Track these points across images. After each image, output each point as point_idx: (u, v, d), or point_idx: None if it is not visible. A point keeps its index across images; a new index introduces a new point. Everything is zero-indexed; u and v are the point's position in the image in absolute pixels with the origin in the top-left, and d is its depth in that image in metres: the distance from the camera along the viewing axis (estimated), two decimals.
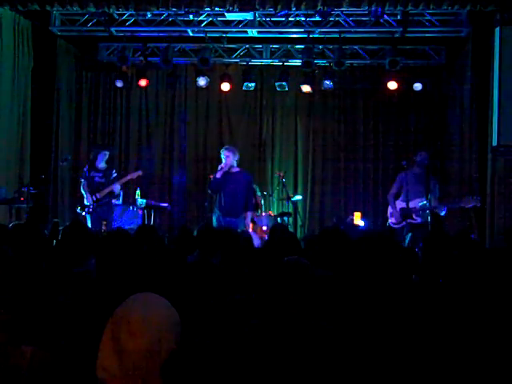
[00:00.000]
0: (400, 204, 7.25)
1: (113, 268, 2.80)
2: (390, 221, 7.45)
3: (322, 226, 9.40)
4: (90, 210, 7.53)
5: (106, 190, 7.63)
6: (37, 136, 8.78)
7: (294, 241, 3.89)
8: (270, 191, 9.55)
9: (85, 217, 7.55)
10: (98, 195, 7.59)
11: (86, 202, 7.61)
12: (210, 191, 7.37)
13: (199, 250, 4.13)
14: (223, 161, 7.07)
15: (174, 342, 1.60)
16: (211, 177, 7.42)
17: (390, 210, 7.47)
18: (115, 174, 7.83)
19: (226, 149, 7.23)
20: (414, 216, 7.08)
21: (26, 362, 1.82)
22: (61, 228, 7.45)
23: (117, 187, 7.67)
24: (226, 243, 4.13)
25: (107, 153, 7.85)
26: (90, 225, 7.32)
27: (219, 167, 7.07)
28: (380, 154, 9.78)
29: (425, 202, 6.94)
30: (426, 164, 7.15)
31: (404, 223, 7.08)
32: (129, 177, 7.93)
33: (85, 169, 7.79)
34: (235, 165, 7.11)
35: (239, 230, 5.08)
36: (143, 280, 2.65)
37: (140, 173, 8.07)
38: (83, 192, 7.68)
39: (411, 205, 7.04)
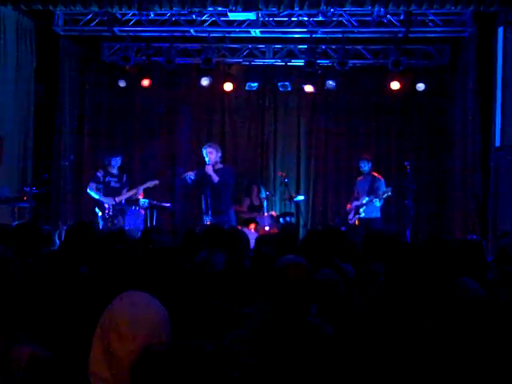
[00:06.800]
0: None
1: (106, 268, 2.79)
2: None
3: (324, 226, 9.37)
4: (111, 213, 7.68)
5: (129, 194, 7.90)
6: (39, 136, 8.78)
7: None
8: (272, 191, 9.53)
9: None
10: (116, 199, 7.75)
11: (105, 205, 7.78)
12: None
13: (205, 250, 4.13)
14: (205, 158, 6.95)
15: (163, 342, 1.52)
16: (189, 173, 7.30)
17: None
18: (125, 178, 8.12)
19: (208, 145, 7.09)
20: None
21: (24, 364, 1.78)
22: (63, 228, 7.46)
23: (140, 191, 7.89)
24: (231, 243, 4.13)
25: (119, 158, 8.08)
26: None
27: (206, 168, 6.90)
28: (383, 154, 9.76)
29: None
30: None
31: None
32: (149, 184, 8.02)
33: (99, 174, 7.98)
34: (219, 161, 6.99)
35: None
36: (141, 280, 2.64)
37: (157, 182, 8.15)
38: (97, 196, 7.86)
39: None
